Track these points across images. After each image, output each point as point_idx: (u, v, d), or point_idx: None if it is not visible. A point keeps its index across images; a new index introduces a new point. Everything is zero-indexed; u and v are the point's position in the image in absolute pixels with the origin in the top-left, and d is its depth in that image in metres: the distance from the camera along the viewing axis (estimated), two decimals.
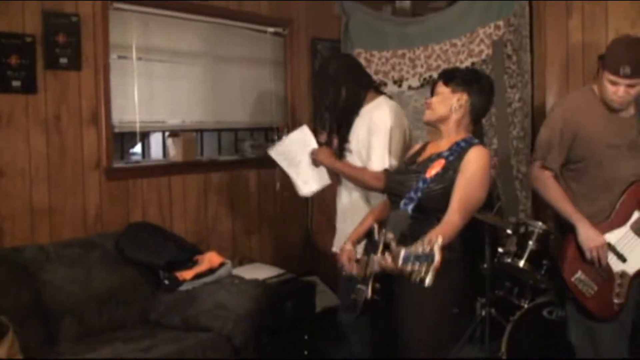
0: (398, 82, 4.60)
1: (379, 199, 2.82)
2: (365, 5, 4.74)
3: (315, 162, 3.13)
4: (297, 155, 3.22)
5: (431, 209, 2.31)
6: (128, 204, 3.72)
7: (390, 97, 3.14)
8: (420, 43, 4.48)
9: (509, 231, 3.44)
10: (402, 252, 1.96)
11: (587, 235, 2.67)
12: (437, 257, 1.88)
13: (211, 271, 3.43)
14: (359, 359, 2.95)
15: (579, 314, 2.78)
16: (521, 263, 3.30)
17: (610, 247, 2.70)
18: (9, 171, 3.23)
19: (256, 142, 4.54)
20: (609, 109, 2.71)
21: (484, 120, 3.65)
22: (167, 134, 4.09)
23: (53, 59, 3.33)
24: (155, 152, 4.28)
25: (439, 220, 2.27)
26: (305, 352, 3.91)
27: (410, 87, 4.55)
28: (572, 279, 2.72)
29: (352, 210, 3.01)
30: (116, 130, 3.69)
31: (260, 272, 3.83)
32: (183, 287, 3.33)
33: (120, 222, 3.61)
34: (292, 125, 4.63)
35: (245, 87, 4.43)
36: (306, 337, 3.92)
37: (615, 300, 2.69)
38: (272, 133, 4.57)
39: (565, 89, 3.97)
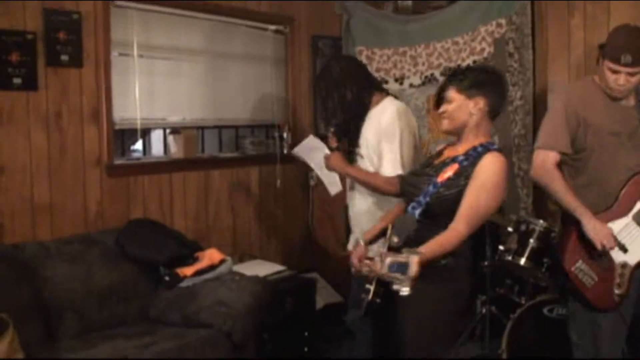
0: (399, 80, 4.60)
1: (393, 203, 2.76)
2: (367, 3, 4.74)
3: (328, 167, 3.06)
4: (313, 160, 3.19)
5: (440, 214, 2.26)
6: (129, 200, 3.72)
7: (396, 96, 3.08)
8: (421, 41, 4.48)
9: (509, 229, 3.43)
10: (388, 259, 1.98)
11: (593, 227, 2.66)
12: (414, 269, 1.92)
13: (212, 268, 3.43)
14: (359, 358, 2.95)
15: (581, 309, 2.77)
16: (522, 261, 3.30)
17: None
18: (10, 168, 3.23)
19: (257, 139, 4.54)
20: (610, 97, 2.72)
21: None
22: (168, 130, 4.09)
23: (54, 56, 3.34)
24: (156, 149, 4.28)
25: (446, 226, 2.22)
26: (305, 349, 3.92)
27: (411, 85, 4.55)
28: (572, 269, 2.71)
29: (367, 215, 2.96)
30: (117, 127, 3.69)
31: (260, 268, 3.84)
32: (183, 284, 3.34)
33: (120, 219, 3.62)
34: (292, 122, 4.65)
35: (246, 84, 4.43)
36: (306, 334, 3.93)
37: (616, 291, 2.68)
38: (273, 130, 4.58)
39: None
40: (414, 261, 1.94)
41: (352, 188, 3.08)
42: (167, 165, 3.97)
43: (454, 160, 2.33)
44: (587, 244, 2.70)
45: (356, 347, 2.99)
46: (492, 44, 4.15)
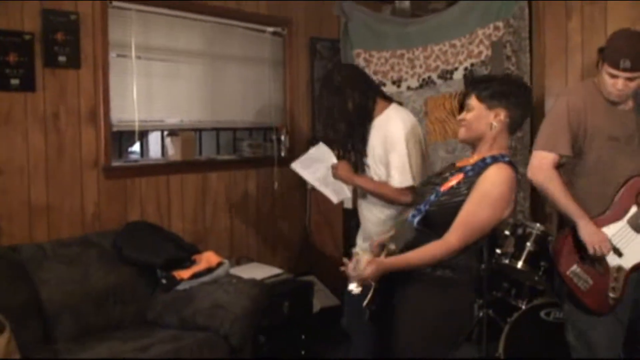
0: (397, 83, 4.60)
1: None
2: (365, 5, 4.74)
3: (336, 177, 3.00)
4: (320, 169, 3.13)
5: (438, 223, 2.17)
6: (126, 202, 3.71)
7: (400, 103, 3.04)
8: (419, 43, 4.47)
9: (506, 232, 3.44)
10: (353, 260, 2.12)
11: (589, 231, 2.66)
12: (360, 267, 2.08)
13: (209, 271, 3.42)
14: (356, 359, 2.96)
15: (576, 312, 2.78)
16: (519, 264, 3.31)
17: None
18: (7, 169, 3.22)
19: (254, 141, 4.54)
20: (609, 101, 2.73)
21: None
22: (165, 133, 4.09)
23: (52, 57, 3.33)
24: (154, 151, 4.27)
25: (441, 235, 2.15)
26: (302, 352, 3.92)
27: (409, 88, 4.55)
28: (568, 272, 2.72)
29: (378, 225, 2.90)
30: (115, 128, 3.69)
31: (257, 271, 3.83)
32: (180, 287, 3.33)
33: (118, 221, 3.61)
34: (290, 124, 4.64)
35: (244, 86, 4.43)
36: (303, 336, 3.92)
37: (611, 295, 2.69)
38: (271, 132, 4.57)
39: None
40: (363, 260, 2.08)
41: (363, 196, 3.01)
42: (164, 168, 3.96)
43: (460, 170, 2.25)
44: (582, 248, 2.70)
45: (353, 350, 2.99)
46: (490, 47, 4.15)
